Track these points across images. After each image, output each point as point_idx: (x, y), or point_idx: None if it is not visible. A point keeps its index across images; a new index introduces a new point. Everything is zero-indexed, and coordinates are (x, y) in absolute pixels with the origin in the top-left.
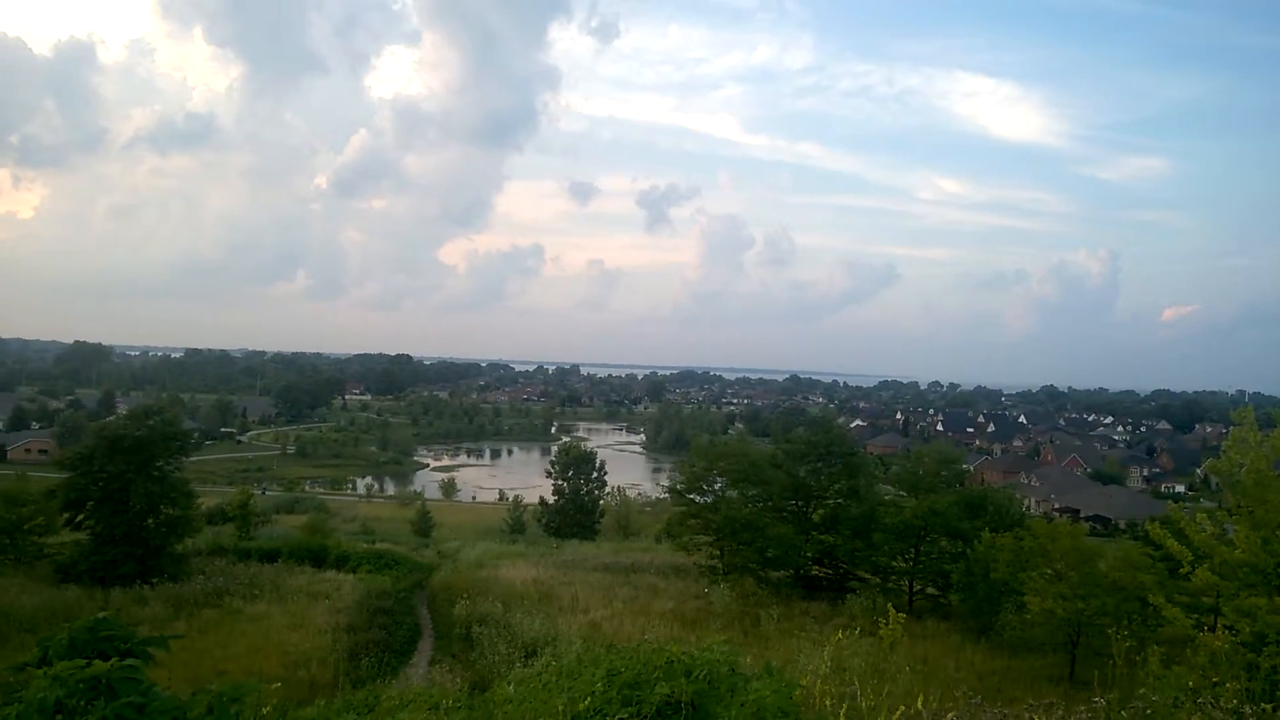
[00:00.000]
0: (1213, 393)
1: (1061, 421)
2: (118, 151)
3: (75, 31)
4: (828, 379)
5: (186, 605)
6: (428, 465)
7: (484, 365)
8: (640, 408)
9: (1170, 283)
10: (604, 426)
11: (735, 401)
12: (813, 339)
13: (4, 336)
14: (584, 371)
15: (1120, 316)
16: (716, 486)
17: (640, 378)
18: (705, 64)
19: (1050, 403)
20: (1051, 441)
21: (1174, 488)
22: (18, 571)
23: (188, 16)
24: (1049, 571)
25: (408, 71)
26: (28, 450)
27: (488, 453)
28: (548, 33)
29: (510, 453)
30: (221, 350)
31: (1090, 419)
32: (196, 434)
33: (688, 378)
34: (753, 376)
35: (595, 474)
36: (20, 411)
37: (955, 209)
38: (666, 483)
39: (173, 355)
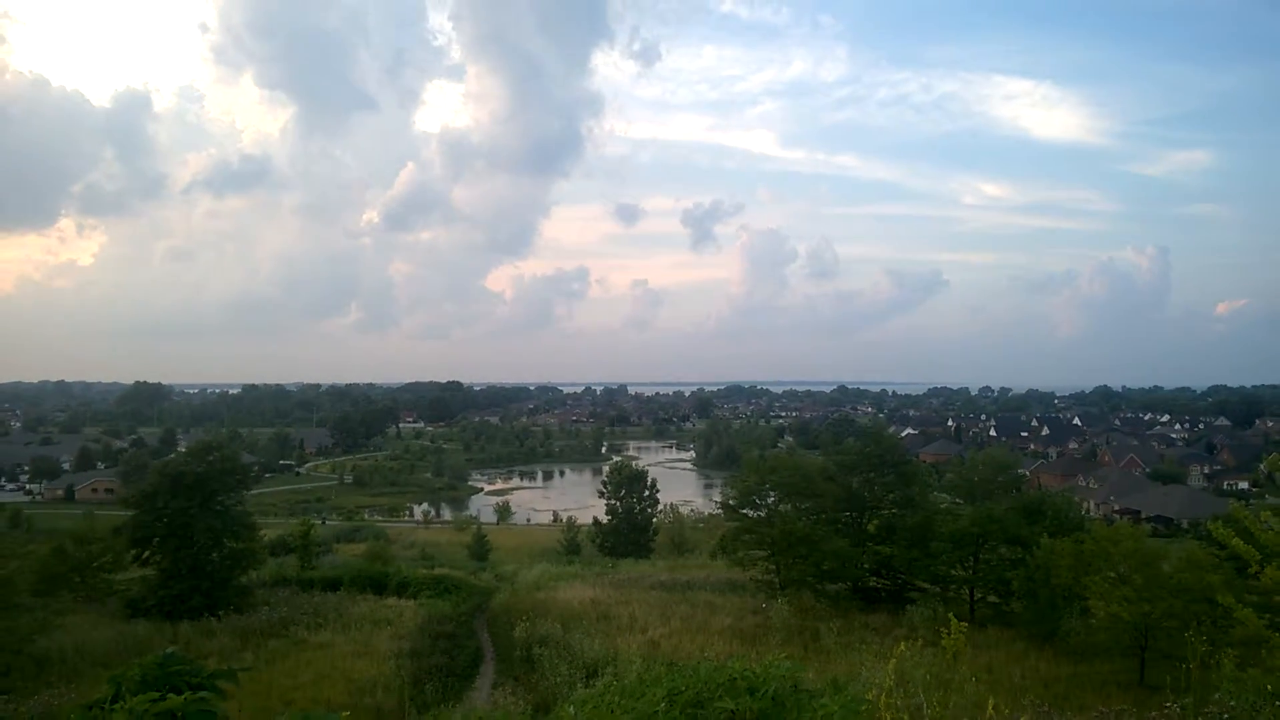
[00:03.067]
0: (1272, 386)
1: (1117, 422)
2: (176, 196)
3: (132, 81)
4: (876, 389)
5: (253, 636)
6: (482, 490)
7: (533, 389)
8: (689, 425)
9: (1222, 276)
10: (653, 445)
11: (783, 415)
12: (859, 349)
13: (68, 380)
14: (631, 391)
15: (1172, 313)
16: (769, 501)
17: (687, 395)
18: (741, 81)
19: (1105, 403)
20: (1108, 442)
21: (1236, 485)
22: (90, 608)
23: (239, 62)
24: (1112, 575)
25: (454, 104)
26: (94, 490)
27: (540, 475)
28: (590, 59)
29: (562, 474)
30: (277, 385)
31: (1146, 418)
32: (256, 468)
33: (735, 393)
34: (800, 389)
35: (647, 492)
36: (86, 452)
37: (1000, 212)
38: (719, 499)
39: (230, 392)
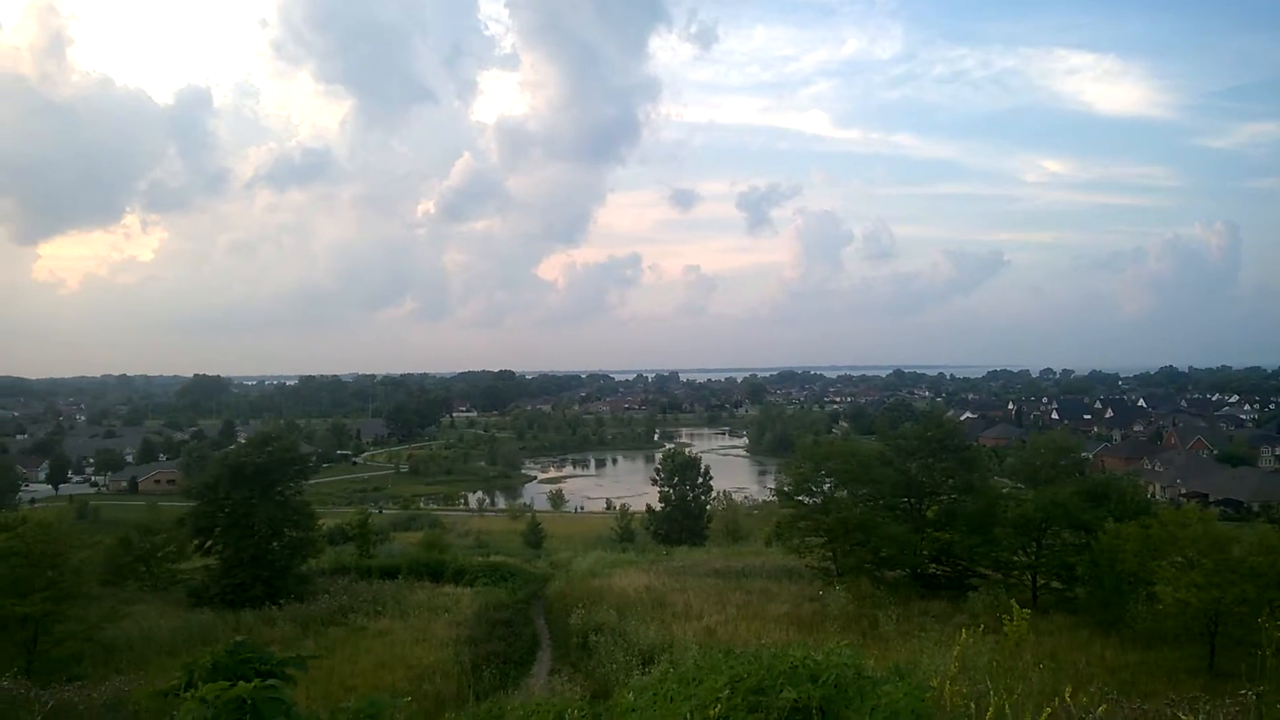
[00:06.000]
0: None
1: (1184, 403)
2: (237, 191)
3: (193, 78)
4: (933, 372)
5: (313, 624)
6: (535, 478)
7: (585, 377)
8: (741, 411)
9: None
10: (706, 431)
11: (838, 400)
12: (916, 332)
13: (130, 374)
14: (683, 377)
15: (1242, 290)
16: (825, 487)
17: (740, 380)
18: (794, 62)
19: (1170, 384)
20: (1174, 424)
21: None
22: (155, 597)
23: (298, 56)
24: (1180, 559)
25: (511, 93)
26: (157, 481)
27: (592, 463)
28: (648, 44)
29: (614, 462)
30: (333, 376)
31: (1214, 399)
32: (314, 458)
33: (788, 378)
34: (854, 374)
35: (700, 479)
36: (148, 444)
37: (1062, 189)
38: (773, 485)
39: (287, 383)
